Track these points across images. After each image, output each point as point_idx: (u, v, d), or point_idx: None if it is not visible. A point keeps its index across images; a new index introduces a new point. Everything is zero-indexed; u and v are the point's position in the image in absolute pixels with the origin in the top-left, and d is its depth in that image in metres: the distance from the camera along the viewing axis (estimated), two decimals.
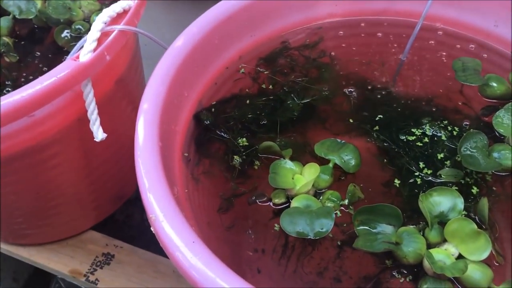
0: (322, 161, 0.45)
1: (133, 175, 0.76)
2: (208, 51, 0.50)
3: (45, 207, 0.62)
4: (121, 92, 0.60)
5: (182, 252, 0.34)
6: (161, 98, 0.44)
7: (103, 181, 0.66)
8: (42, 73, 0.47)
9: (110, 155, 0.63)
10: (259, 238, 0.42)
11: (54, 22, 0.62)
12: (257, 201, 0.44)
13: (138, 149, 0.40)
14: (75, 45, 0.60)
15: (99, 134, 0.51)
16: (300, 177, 0.43)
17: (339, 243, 0.41)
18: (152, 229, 0.37)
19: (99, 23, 0.48)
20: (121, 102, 0.61)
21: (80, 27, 0.61)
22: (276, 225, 0.42)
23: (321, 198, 0.43)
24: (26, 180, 0.56)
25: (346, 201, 0.42)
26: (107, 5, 0.64)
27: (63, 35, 0.60)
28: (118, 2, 0.51)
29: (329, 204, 0.42)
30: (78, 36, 0.61)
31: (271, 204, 0.44)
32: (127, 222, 0.75)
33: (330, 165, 0.44)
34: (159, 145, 0.40)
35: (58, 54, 0.60)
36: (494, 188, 0.43)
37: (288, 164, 0.44)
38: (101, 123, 0.51)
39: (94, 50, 0.48)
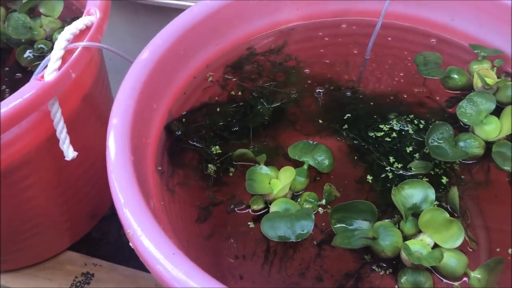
0: (297, 164, 0.46)
1: (107, 192, 0.75)
2: (174, 62, 0.50)
3: (19, 231, 0.61)
4: (88, 108, 0.60)
5: (162, 264, 0.34)
6: (130, 112, 0.43)
7: (76, 200, 0.65)
8: (7, 95, 0.46)
9: (82, 172, 0.63)
10: (239, 245, 0.43)
11: (15, 42, 0.61)
12: (236, 209, 0.44)
13: (111, 165, 0.40)
14: (39, 64, 0.59)
15: (69, 153, 0.51)
16: (276, 182, 0.44)
17: (316, 243, 0.41)
18: (130, 244, 0.36)
19: (62, 41, 0.48)
20: (89, 119, 0.61)
21: (43, 46, 0.60)
22: (249, 223, 0.43)
23: (299, 200, 0.43)
24: (1, 203, 0.55)
25: (323, 201, 0.43)
26: (69, 23, 0.63)
27: (25, 55, 0.60)
28: (80, 18, 0.51)
29: (307, 206, 0.42)
30: (41, 55, 0.60)
31: (250, 211, 0.44)
32: (104, 239, 0.74)
33: (305, 166, 0.45)
34: (131, 160, 0.40)
35: (22, 74, 0.59)
36: (462, 177, 0.45)
37: (264, 169, 0.44)
38: (71, 141, 0.50)
39: (59, 68, 0.47)
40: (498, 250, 0.40)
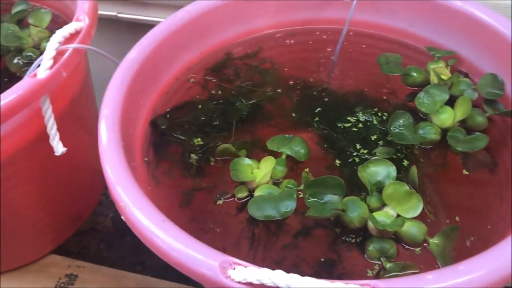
0: (275, 156, 0.49)
1: (89, 195, 0.78)
2: (159, 63, 0.55)
3: (3, 232, 0.63)
4: (75, 112, 0.63)
5: (152, 231, 0.37)
6: (119, 104, 0.47)
7: (59, 202, 0.67)
8: None
9: (66, 175, 0.65)
10: (219, 229, 0.45)
11: (4, 50, 0.64)
12: (222, 198, 0.47)
13: (103, 149, 0.43)
14: (27, 70, 0.63)
15: (59, 148, 0.54)
16: (258, 171, 0.47)
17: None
18: (122, 217, 0.40)
19: (54, 42, 0.52)
20: (75, 123, 0.64)
21: (31, 54, 0.64)
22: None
23: (279, 187, 0.47)
24: None
25: (302, 186, 0.46)
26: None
27: (14, 62, 0.63)
28: (70, 23, 0.55)
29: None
30: (30, 62, 0.63)
31: (235, 199, 0.47)
32: (85, 253, 0.76)
33: (283, 156, 0.49)
34: (121, 144, 0.44)
35: (10, 79, 0.62)
36: (421, 160, 0.49)
37: (246, 161, 0.48)
38: None
39: (51, 67, 0.51)
40: (457, 219, 0.45)
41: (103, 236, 0.80)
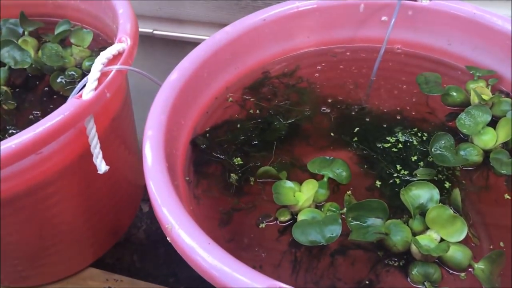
0: (314, 177, 0.49)
1: (127, 209, 0.79)
2: (199, 83, 0.56)
3: (45, 246, 0.64)
4: (115, 131, 0.64)
5: (199, 253, 0.38)
6: (163, 125, 0.48)
7: (100, 217, 0.68)
8: (42, 116, 0.50)
9: (106, 190, 0.67)
10: (259, 250, 0.46)
11: (48, 69, 0.66)
12: (264, 221, 0.47)
13: (148, 170, 0.44)
14: (70, 89, 0.65)
15: (102, 167, 0.55)
16: (300, 194, 0.47)
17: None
18: (168, 238, 0.40)
19: (98, 64, 0.53)
20: (115, 141, 0.65)
21: (73, 73, 0.66)
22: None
23: (322, 210, 0.47)
24: (29, 218, 0.59)
25: (344, 210, 0.46)
26: (96, 52, 0.69)
27: (58, 81, 0.65)
28: (113, 45, 0.56)
29: (330, 214, 0.45)
30: (72, 81, 0.65)
31: (277, 222, 0.47)
32: (118, 265, 0.77)
33: (325, 179, 0.49)
34: (166, 166, 0.45)
35: (54, 98, 0.64)
36: (463, 182, 0.49)
37: (288, 183, 0.48)
38: None
39: (95, 88, 0.52)
40: (502, 244, 0.44)
41: (136, 247, 0.81)
